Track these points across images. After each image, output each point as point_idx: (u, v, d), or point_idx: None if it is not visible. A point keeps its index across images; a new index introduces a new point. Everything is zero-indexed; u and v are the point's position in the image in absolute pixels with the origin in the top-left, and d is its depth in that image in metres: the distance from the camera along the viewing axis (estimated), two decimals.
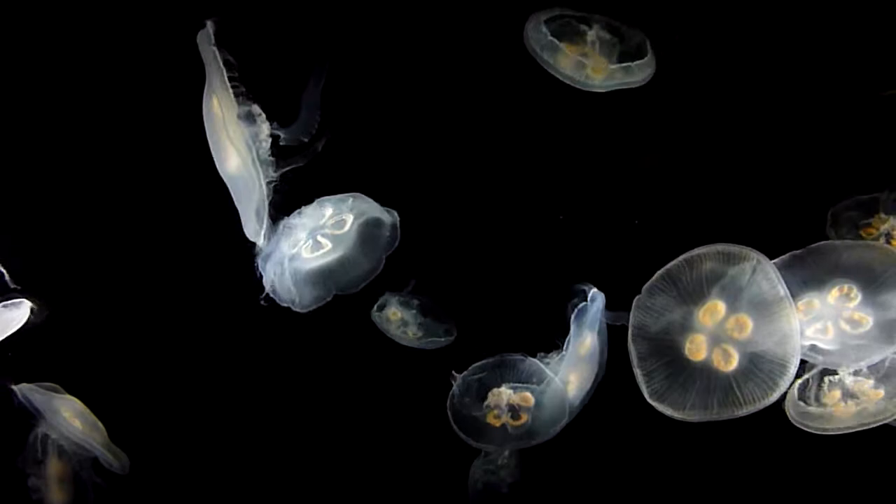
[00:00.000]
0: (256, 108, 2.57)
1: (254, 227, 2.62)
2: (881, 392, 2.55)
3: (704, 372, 2.50)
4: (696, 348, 2.51)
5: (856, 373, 2.59)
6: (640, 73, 2.88)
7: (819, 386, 2.64)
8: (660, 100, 3.02)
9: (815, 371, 2.62)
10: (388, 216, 2.84)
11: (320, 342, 3.28)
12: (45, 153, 3.16)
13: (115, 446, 3.22)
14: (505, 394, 3.04)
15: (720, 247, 2.48)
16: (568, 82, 2.85)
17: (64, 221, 3.22)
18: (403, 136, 3.17)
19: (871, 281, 2.45)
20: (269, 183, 2.59)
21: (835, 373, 2.61)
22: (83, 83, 3.10)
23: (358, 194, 2.77)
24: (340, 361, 3.36)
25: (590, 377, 3.03)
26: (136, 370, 3.32)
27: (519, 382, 3.05)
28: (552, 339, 3.04)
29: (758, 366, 2.45)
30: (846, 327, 2.48)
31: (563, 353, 3.01)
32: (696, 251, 2.49)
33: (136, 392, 3.31)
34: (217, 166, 2.63)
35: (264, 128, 2.58)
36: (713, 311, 2.49)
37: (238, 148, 2.52)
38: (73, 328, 3.23)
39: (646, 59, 2.89)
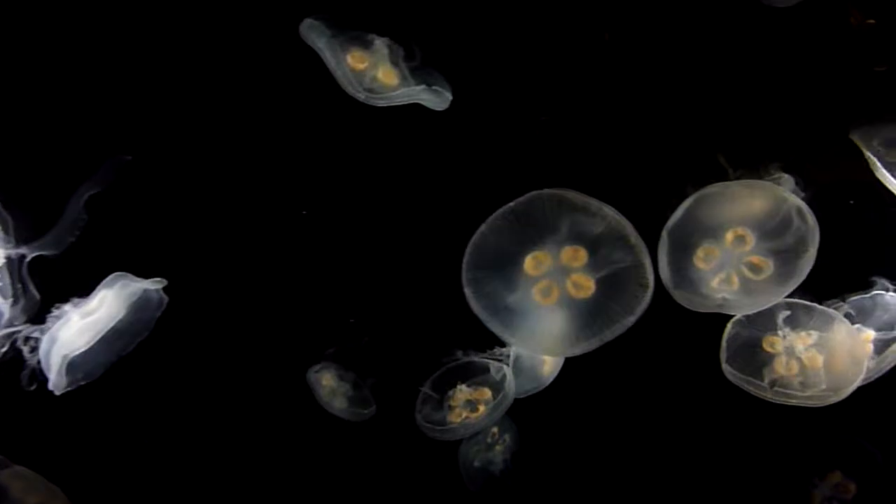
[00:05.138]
0: None
1: None
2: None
3: (567, 307, 2.45)
4: (546, 293, 2.45)
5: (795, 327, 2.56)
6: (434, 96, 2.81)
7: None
8: None
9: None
10: (149, 285, 2.82)
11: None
12: None
13: None
14: (463, 392, 3.11)
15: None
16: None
17: None
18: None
19: (762, 222, 2.39)
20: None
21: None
22: None
23: (120, 273, 2.78)
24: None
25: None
26: (85, 430, 3.27)
27: (472, 379, 3.11)
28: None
29: (617, 280, 2.42)
30: (749, 274, 2.42)
31: None
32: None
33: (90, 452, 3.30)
34: None
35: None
36: (537, 260, 2.43)
37: None
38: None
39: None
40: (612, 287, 2.42)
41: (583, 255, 2.41)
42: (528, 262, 2.44)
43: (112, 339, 2.80)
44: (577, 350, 2.51)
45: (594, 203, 2.38)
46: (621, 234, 2.38)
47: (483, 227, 2.43)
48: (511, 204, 2.40)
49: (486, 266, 2.45)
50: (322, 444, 3.39)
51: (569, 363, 3.03)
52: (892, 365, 2.55)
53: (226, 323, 3.17)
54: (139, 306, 2.81)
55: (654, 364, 3.15)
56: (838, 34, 2.78)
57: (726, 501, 3.27)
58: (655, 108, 2.95)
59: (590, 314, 2.45)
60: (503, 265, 2.45)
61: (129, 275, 2.78)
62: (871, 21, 2.71)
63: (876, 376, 2.55)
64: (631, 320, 2.41)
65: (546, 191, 2.37)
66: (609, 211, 2.37)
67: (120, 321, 2.79)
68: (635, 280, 2.39)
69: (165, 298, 2.80)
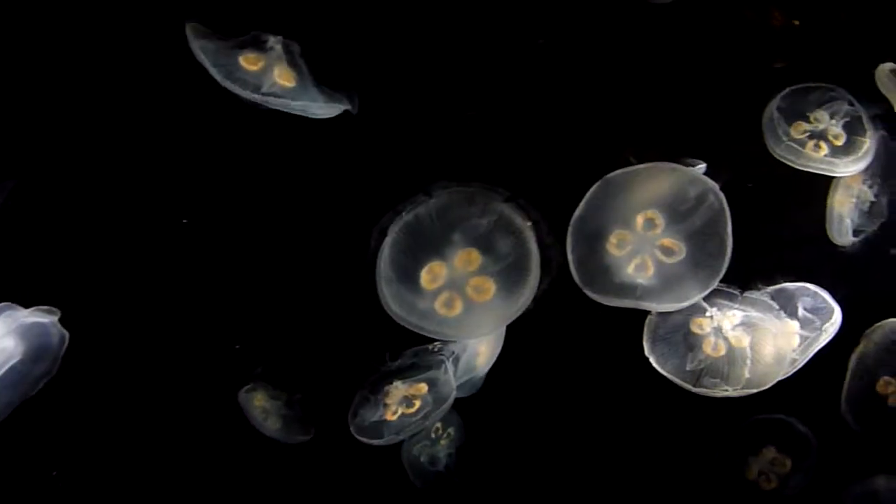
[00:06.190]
0: None
1: None
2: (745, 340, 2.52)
3: (476, 311, 2.43)
4: (449, 305, 2.41)
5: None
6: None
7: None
8: None
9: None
10: (39, 316, 2.71)
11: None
12: None
13: None
14: (399, 389, 3.05)
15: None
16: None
17: None
18: None
19: (671, 204, 2.36)
20: None
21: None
22: None
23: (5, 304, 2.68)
24: None
25: (497, 346, 3.00)
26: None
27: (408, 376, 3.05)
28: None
29: (510, 273, 2.40)
30: (662, 257, 2.38)
31: None
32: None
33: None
34: None
35: None
36: (432, 273, 2.39)
37: None
38: None
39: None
40: (511, 278, 2.38)
41: (476, 256, 2.38)
42: (424, 277, 2.40)
43: (14, 379, 2.68)
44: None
45: (480, 197, 2.33)
46: (510, 224, 2.34)
47: (384, 241, 2.39)
48: (403, 215, 2.36)
49: (393, 277, 2.41)
50: (261, 456, 3.33)
51: (507, 354, 2.98)
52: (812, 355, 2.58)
53: (133, 353, 3.07)
54: (37, 343, 2.69)
55: (590, 351, 3.14)
56: (739, 30, 2.79)
57: (663, 481, 3.29)
58: (567, 107, 2.93)
59: (498, 304, 2.42)
60: (408, 276, 2.41)
61: (14, 305, 2.66)
62: (796, 22, 2.68)
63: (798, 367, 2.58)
64: (528, 296, 2.39)
65: (432, 194, 2.33)
66: (496, 202, 2.33)
67: (21, 361, 2.67)
68: (526, 266, 2.37)
69: (66, 334, 2.69)
